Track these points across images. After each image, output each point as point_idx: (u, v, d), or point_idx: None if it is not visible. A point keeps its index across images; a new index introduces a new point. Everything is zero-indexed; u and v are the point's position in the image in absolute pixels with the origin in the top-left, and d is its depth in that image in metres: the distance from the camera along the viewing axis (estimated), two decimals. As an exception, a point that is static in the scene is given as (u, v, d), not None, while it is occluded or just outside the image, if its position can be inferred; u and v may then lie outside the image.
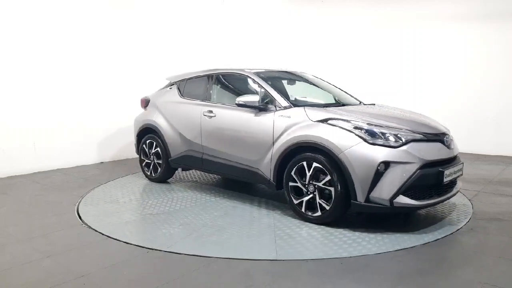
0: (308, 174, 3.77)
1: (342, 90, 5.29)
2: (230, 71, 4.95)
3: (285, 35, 9.71)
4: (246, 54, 9.03)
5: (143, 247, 3.31)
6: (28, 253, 3.21)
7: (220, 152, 4.61)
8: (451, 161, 3.81)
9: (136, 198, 4.76)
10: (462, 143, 4.34)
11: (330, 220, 3.72)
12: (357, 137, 3.53)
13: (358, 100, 5.08)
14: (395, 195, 3.39)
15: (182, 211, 4.23)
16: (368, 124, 3.62)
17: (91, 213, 4.16)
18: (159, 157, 5.37)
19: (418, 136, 3.61)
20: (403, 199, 3.41)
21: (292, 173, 3.90)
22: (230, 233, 3.60)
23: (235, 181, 5.54)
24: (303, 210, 3.86)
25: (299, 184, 3.87)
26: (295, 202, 3.92)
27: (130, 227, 3.79)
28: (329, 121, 3.74)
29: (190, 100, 5.07)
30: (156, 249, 3.26)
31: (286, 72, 5.17)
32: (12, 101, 5.82)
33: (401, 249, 3.24)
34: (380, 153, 3.42)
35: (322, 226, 3.73)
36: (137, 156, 5.80)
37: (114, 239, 3.50)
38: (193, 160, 4.95)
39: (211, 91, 4.95)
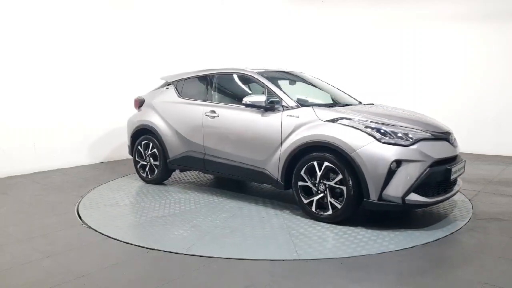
0: (318, 174, 3.78)
1: (340, 90, 5.30)
2: (232, 71, 4.91)
3: (285, 35, 9.71)
4: (246, 54, 9.03)
5: (143, 247, 3.31)
6: (28, 253, 3.21)
7: (223, 153, 4.57)
8: (455, 159, 3.91)
9: (137, 200, 4.68)
10: (462, 143, 4.34)
11: (342, 219, 3.75)
12: (369, 136, 3.58)
13: (357, 100, 5.08)
14: (407, 192, 3.47)
15: (188, 213, 4.17)
16: (379, 123, 3.68)
17: (94, 216, 4.07)
18: (155, 159, 5.26)
19: (427, 135, 3.70)
20: (414, 197, 3.49)
21: (302, 172, 3.91)
22: (244, 234, 3.58)
23: (233, 182, 5.54)
24: (313, 209, 3.88)
25: (309, 184, 3.88)
26: (305, 201, 3.92)
27: (138, 231, 3.71)
28: (340, 121, 3.78)
29: (189, 100, 5.01)
30: (156, 249, 3.26)
31: (285, 72, 5.16)
32: (12, 101, 5.83)
33: (401, 249, 3.24)
34: (392, 152, 3.48)
35: (333, 225, 3.76)
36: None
37: (114, 239, 3.50)
38: (194, 160, 4.90)
39: (212, 91, 4.90)
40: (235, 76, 4.93)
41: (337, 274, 2.86)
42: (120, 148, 7.11)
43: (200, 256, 3.13)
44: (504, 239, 3.50)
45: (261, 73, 4.60)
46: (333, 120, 3.81)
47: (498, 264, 3.01)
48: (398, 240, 3.43)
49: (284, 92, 4.29)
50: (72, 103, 6.48)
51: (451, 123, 4.50)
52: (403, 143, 3.53)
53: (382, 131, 3.60)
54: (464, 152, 4.53)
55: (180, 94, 5.17)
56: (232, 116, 4.51)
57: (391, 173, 3.46)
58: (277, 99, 4.24)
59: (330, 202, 3.75)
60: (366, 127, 3.64)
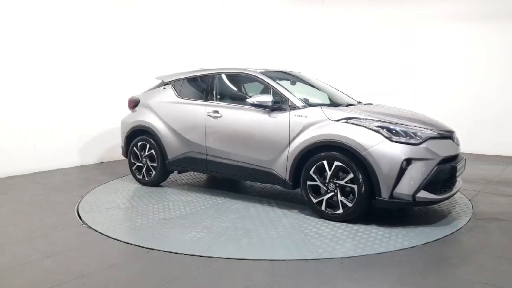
0: (329, 173, 3.81)
1: (338, 90, 5.29)
2: (235, 71, 4.87)
3: (285, 35, 9.71)
4: (245, 54, 9.03)
5: (143, 247, 3.31)
6: (28, 253, 3.21)
7: (227, 153, 4.52)
8: (457, 157, 4.01)
9: (139, 202, 4.55)
10: (462, 143, 4.36)
11: (352, 217, 3.78)
12: (380, 135, 3.63)
13: (355, 100, 5.08)
14: (417, 190, 3.56)
15: (195, 215, 4.11)
16: (389, 122, 3.75)
17: (99, 220, 3.95)
18: (153, 160, 5.16)
19: (434, 134, 3.80)
20: (424, 194, 3.59)
21: (311, 172, 3.92)
22: (259, 235, 3.56)
23: (231, 182, 5.54)
24: (323, 208, 3.90)
25: (318, 183, 3.90)
26: (314, 201, 3.94)
27: (148, 234, 3.60)
28: (350, 120, 3.82)
29: (189, 100, 4.93)
30: (156, 249, 3.26)
31: (284, 72, 5.14)
32: (12, 101, 5.83)
33: (401, 249, 3.24)
34: (403, 151, 3.56)
35: (344, 223, 3.79)
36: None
37: (114, 239, 3.50)
38: (195, 161, 4.83)
39: (214, 91, 4.85)
40: (238, 76, 4.90)
41: (337, 274, 2.86)
42: (120, 148, 7.09)
43: (200, 256, 3.13)
44: (504, 239, 3.50)
45: (264, 73, 4.59)
46: (342, 120, 3.86)
47: (498, 264, 3.01)
48: (398, 240, 3.43)
49: (290, 92, 4.30)
50: (72, 103, 6.48)
51: (451, 123, 4.50)
52: (412, 141, 3.61)
53: (392, 130, 3.67)
54: (464, 152, 4.53)
55: (179, 94, 5.08)
56: (237, 116, 4.48)
57: (402, 171, 3.54)
58: (283, 99, 4.24)
59: (341, 201, 3.78)
60: (377, 126, 3.71)
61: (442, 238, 3.48)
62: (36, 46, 6.02)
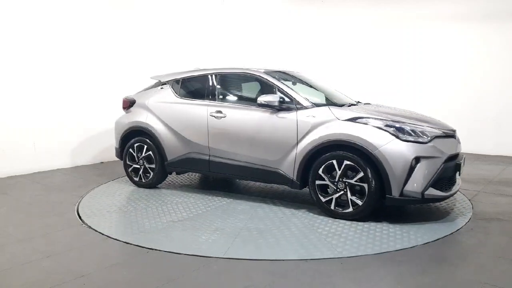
0: (338, 172, 3.84)
1: (336, 90, 5.28)
2: (237, 71, 4.84)
3: (285, 35, 9.71)
4: (245, 54, 9.03)
5: (143, 247, 3.31)
6: (28, 253, 3.21)
7: (231, 153, 4.49)
8: (459, 155, 4.14)
9: (140, 205, 4.43)
10: (462, 143, 4.38)
11: (362, 216, 3.82)
12: (389, 134, 3.70)
13: (355, 100, 5.07)
14: (426, 187, 3.65)
15: (203, 216, 4.05)
16: (397, 122, 3.83)
17: (104, 224, 3.84)
18: (150, 161, 5.06)
19: (440, 133, 3.90)
20: (432, 191, 3.68)
21: (320, 171, 3.94)
22: (274, 236, 3.55)
23: (229, 182, 5.54)
24: (332, 207, 3.93)
25: (327, 182, 3.93)
26: (323, 200, 3.97)
27: (161, 236, 3.53)
28: (358, 120, 3.88)
29: (190, 100, 4.88)
30: (156, 249, 3.26)
31: (283, 72, 5.11)
32: (12, 101, 5.83)
33: (401, 249, 3.24)
34: (412, 149, 3.65)
35: (355, 222, 3.83)
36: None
37: (114, 239, 3.50)
38: (197, 162, 4.77)
39: (216, 91, 4.80)
40: (241, 76, 4.88)
41: (337, 274, 2.86)
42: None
43: (200, 256, 3.13)
44: (504, 239, 3.50)
45: (268, 73, 4.59)
46: (351, 119, 3.90)
47: (498, 264, 3.01)
48: (398, 240, 3.43)
49: (297, 92, 4.32)
50: (72, 103, 6.48)
51: (451, 123, 4.51)
52: (420, 140, 3.70)
53: (401, 129, 3.74)
54: (464, 152, 4.54)
55: (178, 94, 5.01)
56: (241, 116, 4.46)
57: (411, 169, 3.62)
58: (289, 99, 4.25)
59: (351, 199, 3.82)
60: (386, 125, 3.77)
61: (442, 238, 3.48)
62: (36, 46, 6.02)
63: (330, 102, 4.73)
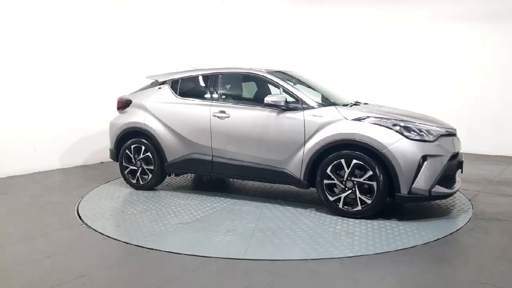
0: (347, 171, 3.89)
1: (334, 90, 5.26)
2: (240, 70, 4.82)
3: (285, 35, 9.71)
4: (245, 53, 9.03)
5: (143, 247, 3.31)
6: (28, 253, 3.21)
7: (236, 154, 4.46)
8: (459, 153, 4.23)
9: (143, 208, 4.33)
10: (462, 143, 4.40)
11: (370, 214, 3.88)
12: (397, 133, 3.78)
13: (354, 100, 5.06)
14: (433, 185, 3.75)
15: (212, 218, 4.01)
16: (404, 121, 3.91)
17: (111, 229, 3.72)
18: (148, 163, 4.95)
19: (444, 131, 4.00)
20: (439, 188, 3.79)
21: (328, 170, 3.97)
22: (288, 235, 3.55)
23: (227, 183, 5.54)
24: (340, 206, 3.96)
25: (336, 181, 3.97)
26: (331, 199, 4.00)
27: (175, 239, 3.48)
28: (366, 119, 3.93)
29: (191, 100, 4.80)
30: (156, 249, 3.26)
31: (282, 72, 5.08)
32: (12, 101, 5.83)
33: (401, 249, 3.24)
34: (420, 148, 3.74)
35: (364, 220, 3.87)
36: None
37: (114, 239, 3.50)
38: (199, 163, 4.70)
39: (218, 91, 4.75)
40: (245, 76, 4.87)
41: (337, 274, 2.86)
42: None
43: (200, 256, 3.13)
44: (504, 239, 3.50)
45: (272, 73, 4.59)
46: (359, 119, 3.95)
47: (498, 264, 3.01)
48: (398, 240, 3.43)
49: (302, 92, 4.34)
50: (72, 103, 6.48)
51: (451, 123, 4.52)
52: (427, 139, 3.80)
53: (408, 128, 3.82)
54: (464, 152, 4.56)
55: (177, 94, 4.93)
56: (246, 117, 4.43)
57: (419, 167, 3.70)
58: (295, 98, 4.27)
59: (360, 198, 3.86)
60: (394, 125, 3.84)
61: (442, 238, 3.48)
62: (36, 46, 6.02)
63: (330, 102, 4.72)
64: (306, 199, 4.67)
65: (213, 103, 4.67)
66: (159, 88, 5.09)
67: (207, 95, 4.80)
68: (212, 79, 4.84)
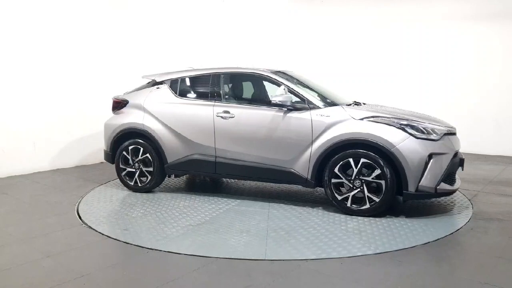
0: (355, 170, 3.94)
1: (332, 90, 5.26)
2: (243, 70, 4.80)
3: (284, 34, 9.71)
4: (244, 53, 9.02)
5: (143, 247, 3.31)
6: (28, 253, 3.21)
7: (241, 154, 4.43)
8: (459, 151, 4.30)
9: (148, 210, 4.24)
10: (462, 143, 4.41)
11: (378, 212, 3.94)
12: (405, 132, 3.86)
13: (353, 100, 5.06)
14: (439, 182, 3.85)
15: (220, 219, 3.96)
16: (410, 120, 4.00)
17: (119, 232, 3.65)
18: (147, 164, 4.86)
19: (447, 130, 4.09)
20: (444, 186, 3.90)
21: (336, 170, 4.01)
22: (303, 235, 3.56)
23: (225, 184, 5.54)
24: (348, 204, 4.01)
25: (344, 180, 4.01)
26: (339, 198, 4.05)
27: (188, 241, 3.41)
28: (373, 119, 4.00)
29: (193, 100, 4.75)
30: (156, 249, 3.26)
31: (281, 72, 5.07)
32: (12, 101, 5.82)
33: (401, 249, 3.24)
34: (426, 146, 3.84)
35: (372, 218, 3.93)
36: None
37: (114, 239, 3.50)
38: (202, 164, 4.65)
39: (221, 91, 4.69)
40: (248, 76, 4.87)
41: (337, 274, 2.86)
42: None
43: (200, 256, 3.13)
44: (504, 239, 3.50)
45: (276, 73, 4.59)
46: (367, 119, 4.01)
47: (498, 264, 3.01)
48: (398, 240, 3.43)
49: (308, 92, 4.37)
50: (72, 103, 6.48)
51: (451, 123, 4.53)
52: (432, 138, 3.90)
53: (415, 127, 3.91)
54: (464, 152, 4.57)
55: (177, 94, 4.85)
56: (251, 117, 4.41)
57: (426, 165, 3.80)
58: (302, 98, 4.29)
59: (368, 196, 3.92)
60: (401, 124, 3.92)
61: (442, 238, 3.49)
62: (36, 47, 6.01)
63: (331, 102, 4.74)
64: (309, 199, 4.68)
65: (216, 103, 4.62)
66: (158, 88, 5.00)
67: (210, 95, 4.73)
68: (214, 79, 4.78)
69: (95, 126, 6.79)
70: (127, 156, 4.96)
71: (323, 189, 4.21)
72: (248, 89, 5.04)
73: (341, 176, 4.01)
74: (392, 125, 3.90)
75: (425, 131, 3.90)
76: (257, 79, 4.87)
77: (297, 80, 4.89)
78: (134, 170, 4.95)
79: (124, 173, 5.01)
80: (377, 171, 3.86)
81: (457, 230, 3.68)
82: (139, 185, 4.94)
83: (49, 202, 4.61)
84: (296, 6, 9.69)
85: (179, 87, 4.91)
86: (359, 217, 3.96)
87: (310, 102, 4.24)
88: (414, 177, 3.78)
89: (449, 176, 4.01)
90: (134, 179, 4.94)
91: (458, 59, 8.05)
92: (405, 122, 3.93)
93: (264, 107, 4.40)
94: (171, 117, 4.76)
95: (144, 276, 2.84)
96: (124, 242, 3.42)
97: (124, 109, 5.10)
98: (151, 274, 2.85)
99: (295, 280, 2.76)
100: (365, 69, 9.04)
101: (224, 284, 2.72)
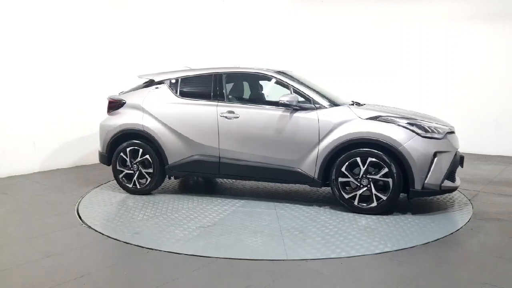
0: (363, 169, 4.00)
1: (331, 90, 5.25)
2: (247, 70, 4.76)
3: (284, 34, 9.70)
4: (244, 53, 9.02)
5: (143, 247, 3.31)
6: (28, 253, 3.21)
7: (246, 154, 4.40)
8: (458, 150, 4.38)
9: (153, 212, 4.16)
10: (462, 143, 4.43)
11: (385, 209, 4.02)
12: (411, 131, 3.94)
13: (352, 100, 5.06)
14: (443, 180, 3.95)
15: (229, 220, 3.92)
16: (415, 119, 4.08)
17: (127, 234, 3.58)
18: (146, 166, 4.76)
19: (449, 129, 4.17)
20: (447, 183, 3.99)
21: (343, 169, 4.05)
22: (318, 234, 3.57)
23: (225, 184, 5.53)
24: (355, 203, 4.06)
25: (351, 179, 4.06)
26: (347, 196, 4.09)
27: (204, 244, 3.36)
28: (380, 119, 4.07)
29: (194, 100, 4.65)
30: (156, 249, 3.26)
31: (281, 72, 5.05)
32: (12, 101, 5.82)
33: (401, 249, 3.24)
34: (432, 145, 3.93)
35: (380, 216, 3.99)
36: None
37: (114, 239, 3.50)
38: (205, 165, 4.58)
39: (224, 91, 4.62)
40: (253, 76, 4.86)
41: (337, 274, 2.86)
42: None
43: (200, 256, 3.12)
44: (504, 239, 3.50)
45: (281, 73, 4.59)
46: (373, 118, 4.07)
47: (498, 264, 3.01)
48: (398, 240, 3.43)
49: (315, 92, 4.39)
50: (72, 103, 6.48)
51: (451, 123, 4.54)
52: (437, 136, 3.99)
53: (420, 126, 3.99)
54: (464, 152, 4.57)
55: (178, 94, 4.77)
56: (256, 117, 4.39)
57: (431, 164, 3.89)
58: (307, 98, 4.31)
59: (375, 194, 3.98)
60: (407, 123, 4.00)
61: (442, 238, 3.49)
62: (36, 47, 6.01)
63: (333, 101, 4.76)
64: (312, 198, 4.69)
65: (219, 103, 4.56)
66: (156, 88, 4.90)
67: (213, 95, 4.63)
68: (217, 79, 4.70)
69: (95, 126, 6.77)
70: (125, 157, 4.83)
71: (326, 188, 4.25)
72: (251, 89, 5.01)
73: (349, 175, 4.05)
74: (398, 124, 3.98)
75: (429, 130, 3.98)
76: (261, 79, 4.87)
77: (298, 80, 4.89)
78: (132, 172, 4.82)
79: (121, 175, 4.88)
80: (385, 170, 3.92)
81: (457, 230, 3.68)
82: (138, 187, 4.83)
83: (49, 202, 4.60)
84: (296, 6, 9.69)
85: (179, 87, 4.83)
86: (367, 215, 4.02)
87: (316, 102, 4.27)
88: (420, 175, 3.86)
89: (450, 174, 4.08)
90: (133, 181, 4.83)
91: (458, 59, 8.05)
92: (410, 121, 4.00)
93: (269, 107, 4.40)
94: (172, 118, 4.68)
95: (144, 276, 2.84)
96: (124, 242, 3.41)
97: (121, 110, 4.96)
98: (151, 274, 2.85)
99: (295, 280, 2.76)
100: (365, 69, 9.04)
101: (224, 284, 2.72)
